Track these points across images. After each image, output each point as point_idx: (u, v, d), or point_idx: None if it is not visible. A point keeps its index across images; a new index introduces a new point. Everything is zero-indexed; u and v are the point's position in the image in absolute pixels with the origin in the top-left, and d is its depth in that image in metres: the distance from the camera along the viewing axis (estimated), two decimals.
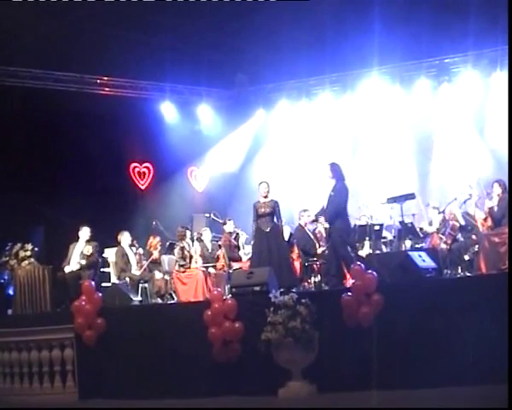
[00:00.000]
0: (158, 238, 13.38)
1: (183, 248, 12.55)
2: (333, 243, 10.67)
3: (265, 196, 11.27)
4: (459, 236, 11.99)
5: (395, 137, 16.01)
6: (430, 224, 12.76)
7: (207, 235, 13.17)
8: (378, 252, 12.32)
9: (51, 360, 10.16)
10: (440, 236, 12.17)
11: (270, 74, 16.07)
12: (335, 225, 10.55)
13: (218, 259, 12.89)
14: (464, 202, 12.26)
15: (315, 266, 12.66)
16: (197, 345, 9.25)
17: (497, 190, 11.02)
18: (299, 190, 16.32)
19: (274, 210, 11.20)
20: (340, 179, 10.68)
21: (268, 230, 11.13)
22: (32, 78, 15.29)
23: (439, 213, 12.64)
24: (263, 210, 11.20)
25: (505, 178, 11.38)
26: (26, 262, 11.86)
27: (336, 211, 10.51)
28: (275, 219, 11.24)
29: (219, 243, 13.30)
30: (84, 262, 12.04)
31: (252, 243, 11.27)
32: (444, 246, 11.82)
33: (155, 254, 12.97)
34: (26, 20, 12.80)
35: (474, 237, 11.62)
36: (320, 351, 8.55)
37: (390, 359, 8.32)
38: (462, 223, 12.03)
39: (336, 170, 10.74)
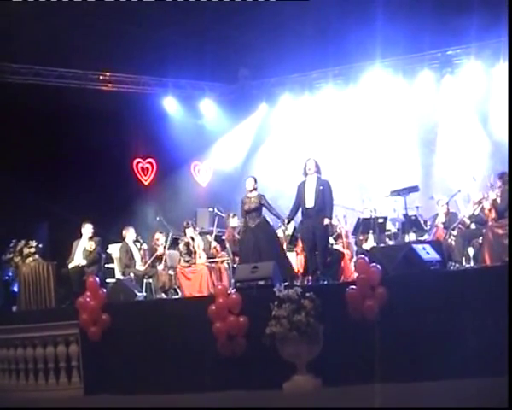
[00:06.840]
0: (162, 235, 13.30)
1: (187, 243, 12.55)
2: (320, 237, 10.69)
3: (251, 191, 11.34)
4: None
5: (398, 129, 15.94)
6: (435, 216, 12.74)
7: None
8: (382, 245, 12.27)
9: (56, 356, 10.21)
10: (450, 231, 12.07)
11: (272, 68, 16.02)
12: (323, 219, 10.66)
13: (217, 251, 12.88)
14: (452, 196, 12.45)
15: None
16: (202, 340, 9.27)
17: (498, 183, 11.02)
18: None
19: (260, 205, 11.26)
20: (320, 174, 10.82)
21: (254, 225, 11.16)
22: (34, 74, 15.33)
23: (443, 205, 12.60)
24: (248, 206, 11.26)
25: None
26: (31, 259, 11.87)
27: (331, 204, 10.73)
28: (262, 214, 11.32)
29: (223, 237, 13.32)
30: (86, 258, 12.06)
31: (239, 238, 11.27)
32: (450, 241, 11.75)
33: (160, 250, 12.93)
34: (27, 17, 12.81)
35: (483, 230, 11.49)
36: (325, 345, 8.56)
37: (395, 352, 8.31)
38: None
39: (319, 165, 10.87)
